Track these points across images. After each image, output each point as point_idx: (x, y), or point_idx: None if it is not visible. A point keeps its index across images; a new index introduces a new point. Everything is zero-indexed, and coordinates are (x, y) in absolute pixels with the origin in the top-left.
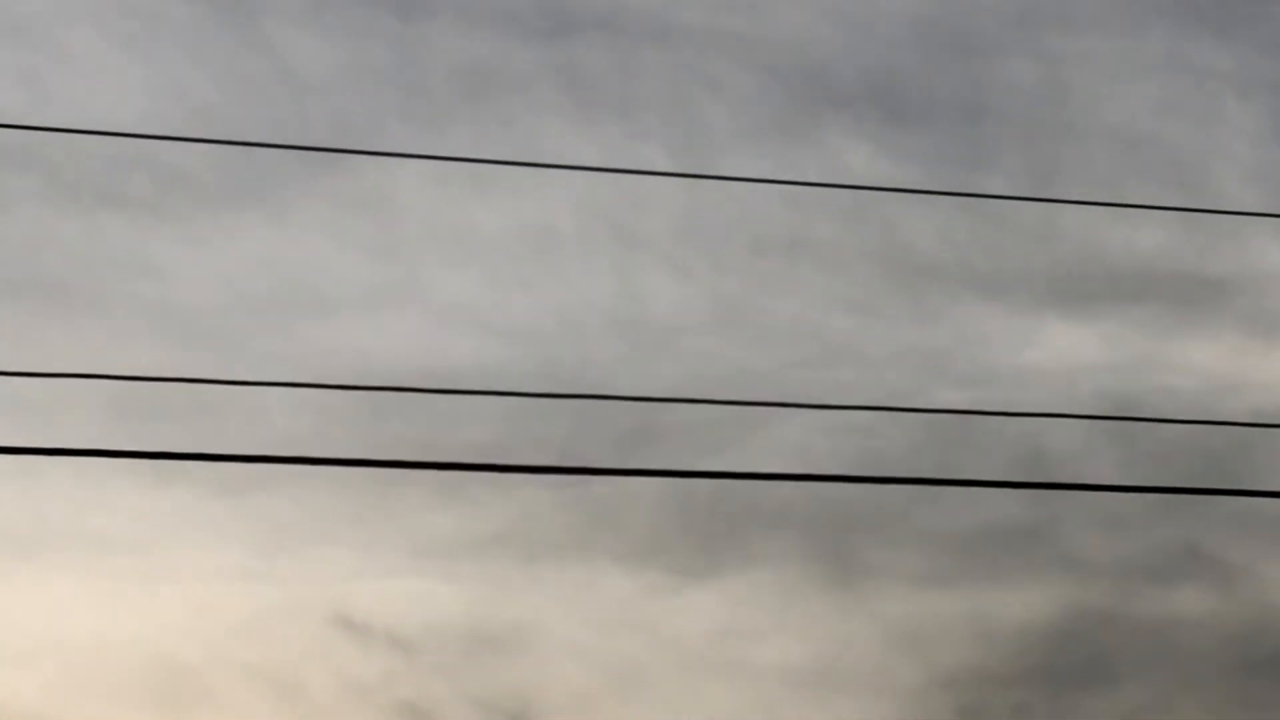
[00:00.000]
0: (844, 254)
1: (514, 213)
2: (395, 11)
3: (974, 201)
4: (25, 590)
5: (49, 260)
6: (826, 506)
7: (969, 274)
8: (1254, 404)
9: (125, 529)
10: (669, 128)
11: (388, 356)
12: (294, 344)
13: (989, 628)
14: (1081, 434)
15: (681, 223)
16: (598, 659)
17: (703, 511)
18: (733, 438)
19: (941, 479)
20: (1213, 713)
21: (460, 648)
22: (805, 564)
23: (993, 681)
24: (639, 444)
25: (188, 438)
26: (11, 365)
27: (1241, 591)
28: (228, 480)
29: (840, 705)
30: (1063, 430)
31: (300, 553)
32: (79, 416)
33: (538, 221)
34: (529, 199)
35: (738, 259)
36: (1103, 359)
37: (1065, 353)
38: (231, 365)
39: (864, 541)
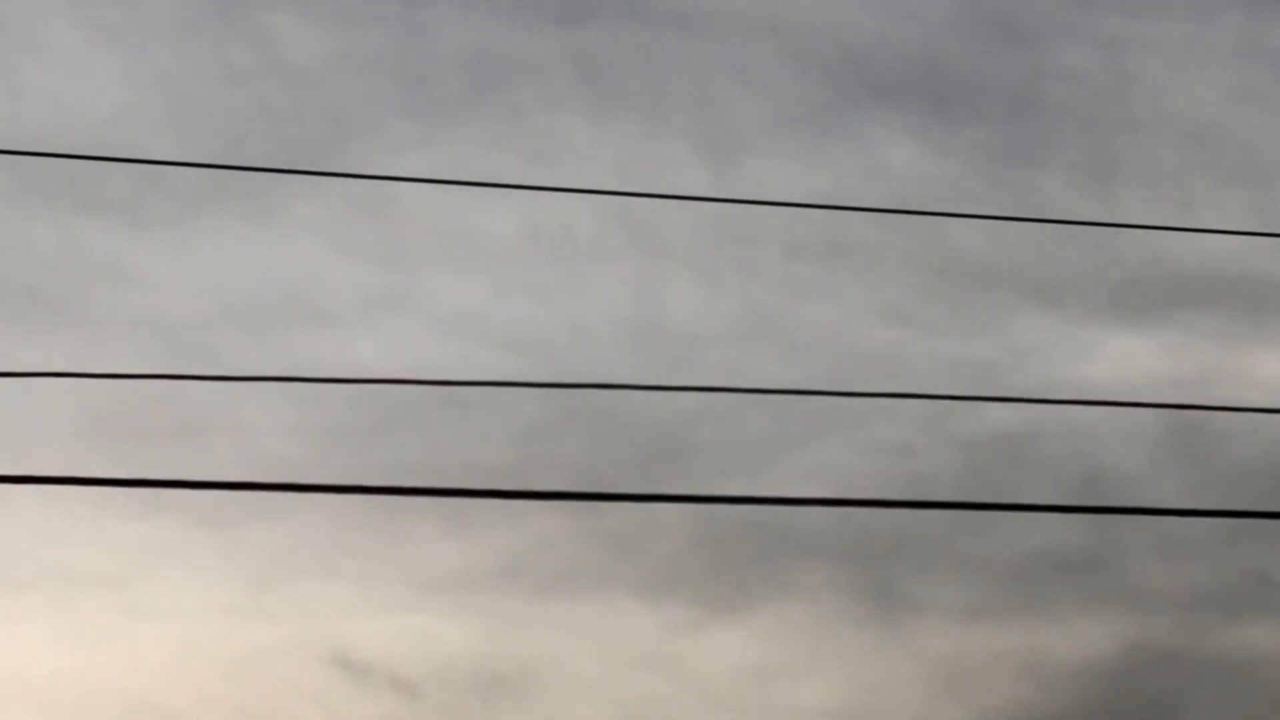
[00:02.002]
0: (885, 258)
1: (525, 214)
2: None
3: (1027, 201)
4: None
5: (20, 266)
6: (865, 533)
7: (1020, 280)
8: None
9: (101, 562)
10: (695, 122)
11: (388, 371)
12: (286, 357)
13: (1043, 665)
14: (1143, 451)
15: (708, 224)
16: (616, 700)
17: (730, 540)
18: (763, 457)
19: (990, 504)
20: None
21: (467, 689)
22: (842, 596)
23: None
24: (661, 464)
25: (170, 460)
26: None
27: None
28: (215, 507)
29: None
30: (1123, 447)
31: (294, 587)
32: (51, 435)
33: (551, 223)
34: (541, 199)
35: (769, 264)
36: (1166, 372)
37: (1125, 365)
38: (217, 380)
39: (906, 571)
